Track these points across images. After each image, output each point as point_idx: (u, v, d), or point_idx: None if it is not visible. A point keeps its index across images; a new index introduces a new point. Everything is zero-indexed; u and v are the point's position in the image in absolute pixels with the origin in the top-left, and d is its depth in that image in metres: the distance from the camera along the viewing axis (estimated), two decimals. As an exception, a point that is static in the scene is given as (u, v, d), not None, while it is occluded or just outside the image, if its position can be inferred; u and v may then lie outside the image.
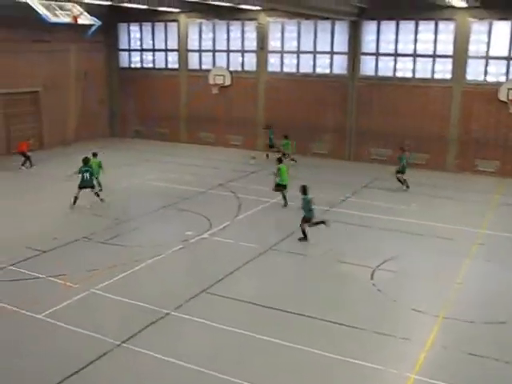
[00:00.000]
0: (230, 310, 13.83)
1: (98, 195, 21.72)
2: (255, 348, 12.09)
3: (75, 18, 27.73)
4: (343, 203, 22.57)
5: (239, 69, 33.16)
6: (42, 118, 32.67)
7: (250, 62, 32.76)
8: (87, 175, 21.44)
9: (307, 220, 18.33)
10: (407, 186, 24.70)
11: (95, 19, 26.22)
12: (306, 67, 31.43)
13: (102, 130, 36.40)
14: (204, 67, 34.03)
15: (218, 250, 17.64)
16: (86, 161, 21.78)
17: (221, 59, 33.52)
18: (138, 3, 28.81)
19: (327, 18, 29.54)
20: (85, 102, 34.68)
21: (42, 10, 23.82)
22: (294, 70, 31.76)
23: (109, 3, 27.96)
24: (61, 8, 25.21)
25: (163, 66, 35.43)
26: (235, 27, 32.96)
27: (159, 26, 35.10)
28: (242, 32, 32.75)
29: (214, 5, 29.20)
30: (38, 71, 31.59)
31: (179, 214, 21.08)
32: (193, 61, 34.45)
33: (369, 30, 29.59)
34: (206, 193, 23.89)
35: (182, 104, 34.95)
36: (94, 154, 23.49)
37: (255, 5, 28.24)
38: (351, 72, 30.13)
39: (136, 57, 36.39)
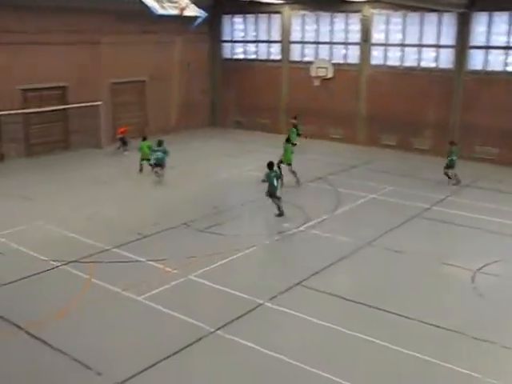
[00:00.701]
0: (324, 304, 13.73)
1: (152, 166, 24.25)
2: (348, 345, 11.95)
3: (182, 10, 28.34)
4: (443, 202, 21.82)
5: (342, 61, 32.74)
6: (146, 107, 33.70)
7: (353, 55, 32.29)
8: (159, 154, 23.77)
9: (271, 194, 19.43)
10: (458, 181, 24.00)
11: (201, 11, 26.68)
12: (410, 61, 30.58)
13: (204, 120, 37.06)
14: (306, 59, 33.88)
15: (314, 244, 17.55)
16: (159, 143, 24.18)
17: (323, 51, 33.24)
18: (243, -5, 29.10)
19: (435, 10, 28.60)
20: (188, 92, 35.44)
21: (150, 3, 24.52)
22: (397, 63, 30.99)
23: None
24: (168, 0, 25.84)
25: (265, 57, 35.58)
26: (339, 19, 32.54)
27: (263, 18, 35.23)
28: (346, 24, 32.30)
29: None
30: (144, 62, 32.58)
31: (276, 206, 21.15)
32: (295, 52, 34.38)
33: (479, 21, 28.31)
34: (305, 185, 23.79)
35: (283, 95, 34.97)
36: (144, 138, 25.44)
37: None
38: (458, 66, 28.99)
39: (239, 48, 36.75)
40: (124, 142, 28.80)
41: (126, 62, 31.56)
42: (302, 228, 18.68)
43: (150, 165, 24.04)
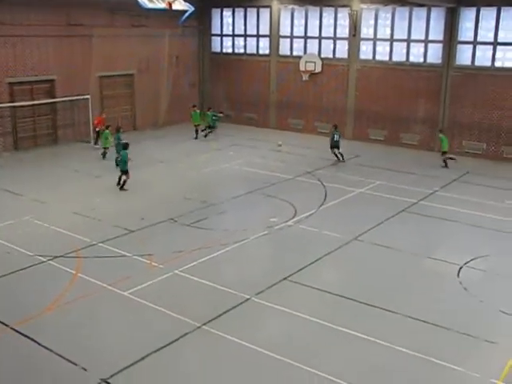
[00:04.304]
0: (310, 299, 13.79)
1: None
2: (333, 339, 12.03)
3: (169, 3, 28.31)
4: (431, 197, 21.91)
5: (330, 56, 32.73)
6: (135, 100, 33.57)
7: (342, 50, 32.27)
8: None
9: (124, 172, 21.79)
10: (343, 159, 26.85)
11: (189, 5, 26.63)
12: (398, 55, 30.62)
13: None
14: (295, 53, 33.85)
15: (302, 238, 17.59)
16: (117, 129, 25.23)
17: (312, 46, 33.20)
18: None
19: (423, 5, 28.64)
20: (176, 85, 35.33)
21: (138, -4, 24.51)
22: (386, 58, 31.01)
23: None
24: (157, -6, 25.84)
25: (254, 51, 35.50)
26: (328, 13, 32.51)
27: (252, 12, 35.12)
28: (335, 19, 32.26)
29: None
30: (133, 55, 32.46)
31: (265, 200, 21.17)
32: (284, 47, 34.33)
33: (467, 17, 28.38)
34: (293, 180, 23.85)
35: (271, 90, 34.95)
36: (107, 127, 26.54)
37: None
38: (446, 61, 29.07)
39: (228, 42, 36.65)
40: (98, 133, 28.69)
41: (114, 55, 31.47)
42: (289, 223, 18.72)
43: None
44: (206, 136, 31.36)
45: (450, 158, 26.43)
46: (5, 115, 27.37)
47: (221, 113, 32.29)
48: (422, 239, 17.74)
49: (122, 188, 21.87)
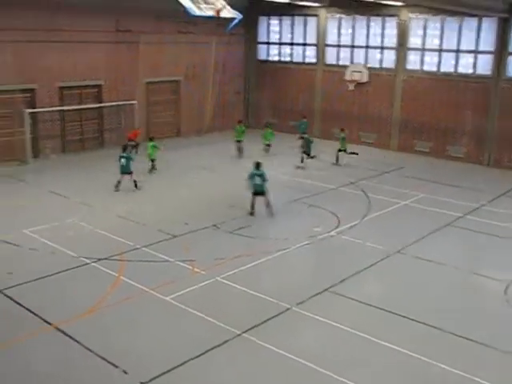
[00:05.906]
0: (351, 311, 13.62)
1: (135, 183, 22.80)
2: (373, 352, 11.82)
3: (218, 11, 28.43)
4: (477, 211, 21.45)
5: (377, 65, 32.47)
6: (180, 106, 33.87)
7: (389, 59, 31.98)
8: (124, 161, 22.41)
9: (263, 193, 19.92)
10: (308, 157, 27.39)
11: (237, 13, 26.64)
12: (447, 66, 30.17)
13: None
14: (341, 63, 33.68)
15: (344, 249, 17.43)
16: (124, 148, 23.07)
17: (359, 55, 33.01)
18: (279, -3, 29.06)
19: (475, 15, 28.17)
20: (222, 93, 35.50)
21: (186, 3, 24.64)
22: (434, 68, 30.59)
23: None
24: (205, 1, 25.93)
25: (301, 59, 35.46)
26: (375, 23, 32.28)
27: (299, 20, 35.10)
28: (382, 28, 32.00)
29: (354, 0, 28.81)
30: (180, 61, 32.76)
31: (308, 210, 21.05)
32: (330, 56, 34.20)
33: (520, 28, 27.83)
34: (337, 190, 23.68)
35: (316, 99, 34.84)
36: (151, 139, 25.53)
37: (398, 0, 27.45)
38: (496, 73, 28.49)
39: (274, 50, 36.70)
40: (132, 146, 27.48)
41: (161, 61, 31.82)
42: (332, 233, 18.56)
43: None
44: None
45: (353, 153, 28.08)
46: (54, 119, 27.98)
47: (304, 117, 32.50)
48: (468, 254, 17.41)
49: (271, 213, 20.02)
